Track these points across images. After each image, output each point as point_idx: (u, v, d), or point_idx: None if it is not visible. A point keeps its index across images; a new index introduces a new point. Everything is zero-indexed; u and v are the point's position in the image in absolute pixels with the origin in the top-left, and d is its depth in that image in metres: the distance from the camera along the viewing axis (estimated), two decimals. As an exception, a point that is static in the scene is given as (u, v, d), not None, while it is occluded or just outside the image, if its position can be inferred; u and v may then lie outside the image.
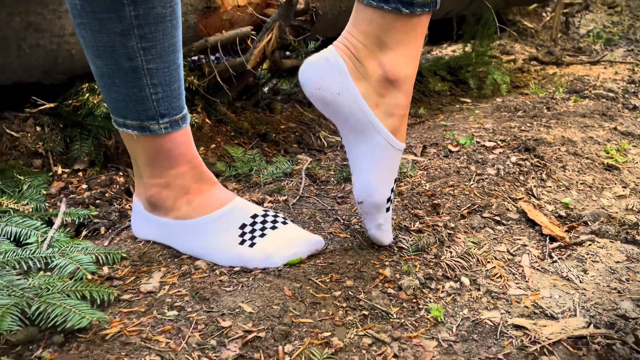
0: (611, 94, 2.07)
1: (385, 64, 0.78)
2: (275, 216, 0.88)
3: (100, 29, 0.76)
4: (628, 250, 0.99)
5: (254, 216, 0.88)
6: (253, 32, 1.29)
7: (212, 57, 1.40)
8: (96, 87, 1.11)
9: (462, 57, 2.40)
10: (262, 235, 0.85)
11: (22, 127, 1.16)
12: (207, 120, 1.38)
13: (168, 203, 0.89)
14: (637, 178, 1.34)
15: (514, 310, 0.81)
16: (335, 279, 0.81)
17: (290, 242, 0.85)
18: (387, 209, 0.86)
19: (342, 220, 1.00)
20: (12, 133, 1.14)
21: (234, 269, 0.82)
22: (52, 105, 1.17)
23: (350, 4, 1.54)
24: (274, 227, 0.86)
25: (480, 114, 1.88)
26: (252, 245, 0.84)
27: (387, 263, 0.87)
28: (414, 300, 0.80)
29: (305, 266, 0.83)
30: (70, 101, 1.16)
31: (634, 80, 2.37)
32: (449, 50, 3.06)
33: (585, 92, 2.12)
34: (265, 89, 1.86)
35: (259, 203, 1.09)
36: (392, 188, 0.85)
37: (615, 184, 1.30)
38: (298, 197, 1.12)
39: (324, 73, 0.81)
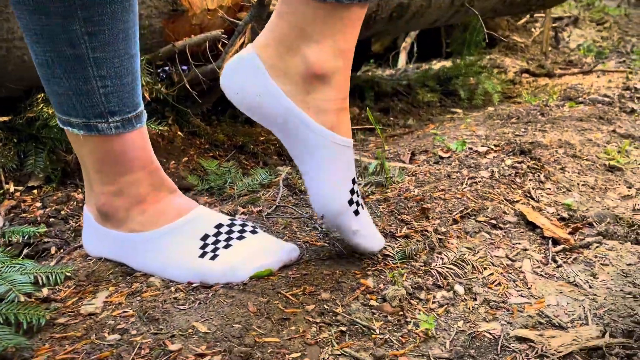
0: (607, 99, 1.99)
1: (309, 58, 0.70)
2: (243, 225, 0.78)
3: (37, 8, 0.67)
4: (634, 251, 0.89)
5: (219, 226, 0.78)
6: (224, 35, 1.21)
7: (184, 67, 1.32)
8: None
9: (452, 68, 2.33)
10: (227, 247, 0.75)
11: (-27, 143, 1.06)
12: (179, 132, 1.28)
13: (120, 214, 0.79)
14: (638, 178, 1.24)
15: (516, 320, 0.70)
16: (309, 292, 0.70)
17: (258, 252, 0.75)
18: (356, 212, 0.75)
19: (320, 229, 0.90)
20: (-38, 150, 1.04)
21: (193, 285, 0.71)
22: (5, 118, 1.08)
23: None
24: (240, 237, 0.76)
25: (472, 122, 1.79)
26: (214, 257, 0.73)
27: (369, 272, 0.76)
28: (401, 313, 0.69)
29: (275, 278, 0.72)
30: (24, 114, 1.07)
31: (629, 87, 2.30)
32: (438, 66, 3.01)
33: (580, 98, 2.05)
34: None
35: (231, 215, 0.99)
36: (352, 189, 0.74)
37: (619, 184, 1.20)
38: (274, 207, 1.02)
39: (242, 74, 0.73)
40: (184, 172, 1.22)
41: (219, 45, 1.21)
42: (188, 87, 1.18)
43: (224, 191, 1.13)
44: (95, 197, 0.79)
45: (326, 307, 0.67)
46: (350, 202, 0.73)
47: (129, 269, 0.78)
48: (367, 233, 0.77)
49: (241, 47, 1.23)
